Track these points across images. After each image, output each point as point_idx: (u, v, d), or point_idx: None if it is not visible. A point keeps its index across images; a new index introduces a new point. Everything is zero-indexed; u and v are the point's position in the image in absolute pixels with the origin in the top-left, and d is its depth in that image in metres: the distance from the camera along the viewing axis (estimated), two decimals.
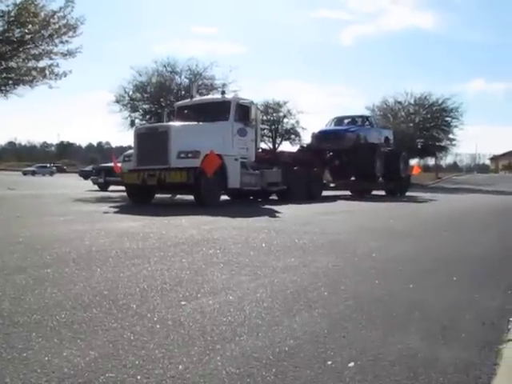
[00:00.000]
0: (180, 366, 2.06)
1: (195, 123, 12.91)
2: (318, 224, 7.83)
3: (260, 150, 15.85)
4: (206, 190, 11.37)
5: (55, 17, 15.51)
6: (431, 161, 57.09)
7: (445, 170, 67.61)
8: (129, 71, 37.05)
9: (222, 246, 5.19)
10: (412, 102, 45.30)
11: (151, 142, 11.85)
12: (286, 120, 42.00)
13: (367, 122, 21.66)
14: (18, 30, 15.25)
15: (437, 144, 46.02)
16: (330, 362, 2.18)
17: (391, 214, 11.19)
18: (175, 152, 11.35)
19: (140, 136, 12.36)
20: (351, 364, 2.17)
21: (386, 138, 22.17)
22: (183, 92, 30.79)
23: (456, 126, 44.88)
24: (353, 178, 20.20)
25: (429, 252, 5.51)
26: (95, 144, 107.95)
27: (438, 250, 5.71)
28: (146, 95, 31.10)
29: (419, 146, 44.90)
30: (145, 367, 2.05)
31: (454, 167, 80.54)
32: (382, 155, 19.78)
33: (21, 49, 15.44)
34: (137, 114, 31.11)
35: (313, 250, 5.23)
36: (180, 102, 15.60)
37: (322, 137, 20.27)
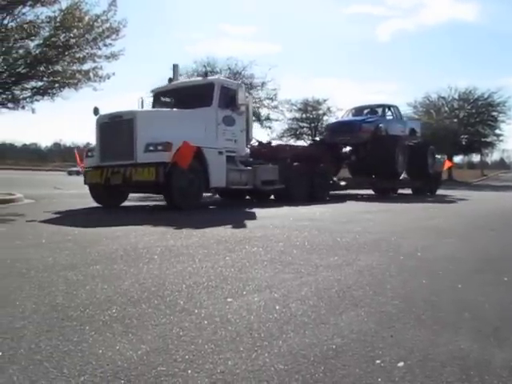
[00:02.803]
0: (229, 362, 2.09)
1: (168, 109, 11.30)
2: (359, 223, 7.75)
3: (256, 144, 14.33)
4: (180, 190, 9.65)
5: (99, 20, 15.87)
6: (476, 157, 55.64)
7: (491, 166, 65.68)
8: (169, 72, 37.52)
9: (264, 244, 5.21)
10: (456, 96, 44.21)
11: (115, 132, 10.05)
12: (325, 118, 41.77)
13: (389, 113, 19.23)
14: (64, 35, 15.67)
15: (482, 140, 44.82)
16: (378, 361, 2.16)
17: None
18: (143, 144, 9.56)
19: (102, 126, 10.35)
20: (401, 364, 2.14)
21: (412, 131, 19.83)
22: None
23: (503, 121, 43.62)
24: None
25: (476, 251, 5.36)
26: None
27: (486, 249, 5.55)
28: None
29: (463, 143, 43.88)
30: (195, 362, 2.09)
31: (501, 164, 78.12)
32: (405, 149, 17.79)
33: (66, 53, 15.86)
34: None
35: (356, 248, 5.18)
36: (157, 87, 13.50)
37: (335, 129, 18.27)
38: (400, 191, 19.59)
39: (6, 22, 14.60)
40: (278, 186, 12.64)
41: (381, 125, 17.60)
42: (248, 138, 12.51)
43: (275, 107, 34.04)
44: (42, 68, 15.98)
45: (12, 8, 14.26)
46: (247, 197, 14.33)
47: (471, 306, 3.07)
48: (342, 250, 5.00)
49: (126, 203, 11.56)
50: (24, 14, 14.75)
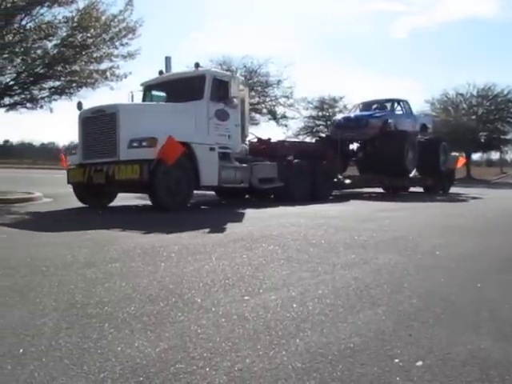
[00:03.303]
0: (247, 360, 2.10)
1: (154, 103, 10.85)
2: (376, 221, 7.70)
3: (255, 140, 13.42)
4: (166, 189, 8.89)
5: (115, 20, 16.01)
6: (495, 155, 54.97)
7: (510, 164, 64.77)
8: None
9: (281, 243, 5.21)
10: (474, 93, 43.56)
11: (98, 128, 9.43)
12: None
13: (398, 107, 18.17)
14: (81, 35, 15.83)
15: (501, 137, 44.10)
16: (397, 360, 2.15)
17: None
18: (126, 140, 8.89)
19: (85, 121, 9.74)
20: (419, 363, 2.13)
21: (423, 126, 18.77)
22: None
23: None
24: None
25: (495, 250, 5.30)
26: None
27: (505, 247, 5.48)
28: None
29: (482, 140, 43.29)
30: (213, 359, 2.10)
31: None
32: (415, 145, 16.85)
33: (83, 52, 16.00)
34: None
35: (373, 246, 5.15)
36: (147, 80, 12.56)
37: (341, 125, 17.14)
38: (411, 189, 18.85)
39: (24, 22, 14.81)
40: (276, 184, 11.84)
41: (389, 120, 16.74)
42: (244, 134, 11.83)
43: (291, 105, 33.98)
44: (59, 68, 16.15)
45: (30, 9, 14.45)
46: (247, 196, 13.59)
47: (491, 306, 3.03)
48: (359, 249, 4.98)
49: (120, 202, 10.91)
50: (42, 14, 14.94)
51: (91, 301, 2.96)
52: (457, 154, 22.69)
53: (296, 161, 12.74)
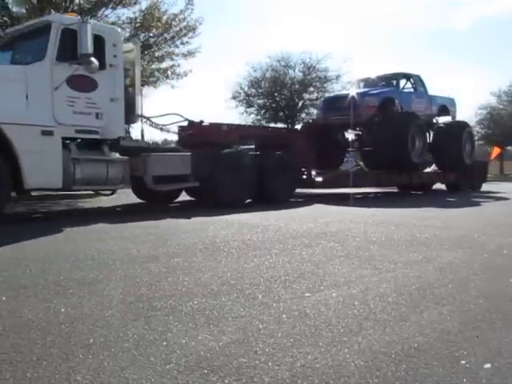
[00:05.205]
0: (309, 356, 2.10)
1: None
2: (440, 219, 7.48)
3: (183, 124, 10.04)
4: None
5: (176, 19, 16.45)
6: None
7: None
8: (244, 67, 38.03)
9: (340, 240, 5.17)
10: None
11: None
12: None
13: (407, 84, 14.66)
14: (143, 35, 16.36)
15: None
16: (463, 362, 2.09)
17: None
18: None
19: None
20: (487, 365, 2.06)
21: (443, 108, 15.27)
22: (297, 86, 31.03)
23: None
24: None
25: None
26: None
27: None
28: (260, 90, 31.82)
29: None
30: (275, 355, 2.12)
31: None
32: (424, 132, 13.47)
33: (145, 52, 16.53)
34: (252, 110, 31.96)
35: (436, 244, 5.01)
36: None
37: (329, 105, 13.92)
38: (435, 186, 15.98)
39: None
40: (189, 183, 8.97)
41: (393, 99, 13.51)
42: (134, 114, 8.50)
43: None
44: None
45: (95, 10, 15.06)
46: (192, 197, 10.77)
47: None
48: (422, 246, 4.86)
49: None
50: (106, 15, 15.56)
51: (156, 294, 3.06)
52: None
53: (226, 151, 9.63)
